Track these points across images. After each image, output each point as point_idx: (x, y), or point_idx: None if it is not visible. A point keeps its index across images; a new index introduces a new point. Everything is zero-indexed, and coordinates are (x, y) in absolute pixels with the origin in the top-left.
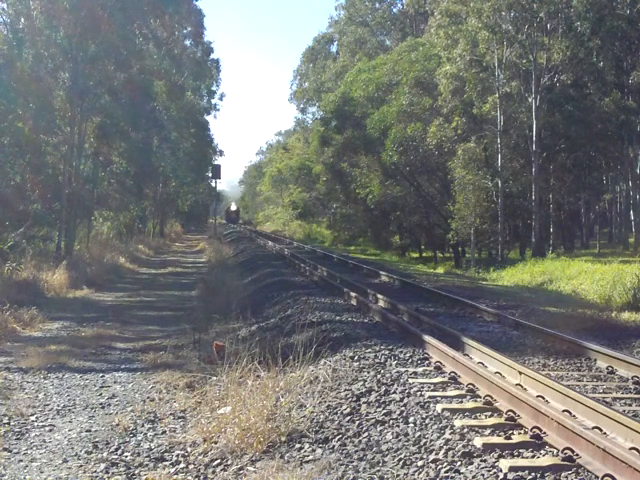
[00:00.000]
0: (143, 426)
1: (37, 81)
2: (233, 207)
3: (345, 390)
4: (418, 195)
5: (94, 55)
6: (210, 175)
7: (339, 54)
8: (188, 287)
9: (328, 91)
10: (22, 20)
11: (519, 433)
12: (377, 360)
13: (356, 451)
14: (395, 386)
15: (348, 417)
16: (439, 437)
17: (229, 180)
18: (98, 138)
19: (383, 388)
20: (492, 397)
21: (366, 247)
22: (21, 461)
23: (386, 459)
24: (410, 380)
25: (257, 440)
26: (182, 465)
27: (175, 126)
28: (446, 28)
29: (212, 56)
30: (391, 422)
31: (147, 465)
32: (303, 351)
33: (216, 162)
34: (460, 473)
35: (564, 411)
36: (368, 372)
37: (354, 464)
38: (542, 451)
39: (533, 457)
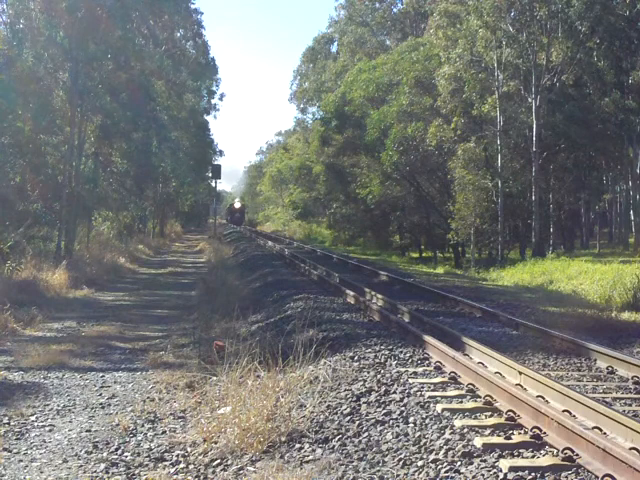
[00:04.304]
0: (143, 426)
1: (37, 81)
2: (237, 204)
3: (345, 390)
4: (418, 195)
5: (94, 55)
6: (210, 175)
7: (339, 54)
8: (188, 287)
9: (328, 91)
10: (22, 20)
11: (519, 433)
12: (377, 360)
13: (356, 451)
14: (395, 386)
15: (348, 417)
16: (439, 437)
17: (230, 170)
18: (98, 138)
19: (383, 388)
20: (492, 397)
21: (366, 247)
22: (21, 461)
23: (386, 459)
24: (410, 380)
25: (257, 440)
26: (182, 465)
27: (175, 126)
28: (445, 29)
29: (210, 55)
30: (391, 422)
31: (147, 465)
32: (303, 351)
33: (216, 162)
34: (460, 473)
35: (564, 411)
36: (368, 372)
37: (354, 464)
38: (542, 451)
39: (533, 457)
